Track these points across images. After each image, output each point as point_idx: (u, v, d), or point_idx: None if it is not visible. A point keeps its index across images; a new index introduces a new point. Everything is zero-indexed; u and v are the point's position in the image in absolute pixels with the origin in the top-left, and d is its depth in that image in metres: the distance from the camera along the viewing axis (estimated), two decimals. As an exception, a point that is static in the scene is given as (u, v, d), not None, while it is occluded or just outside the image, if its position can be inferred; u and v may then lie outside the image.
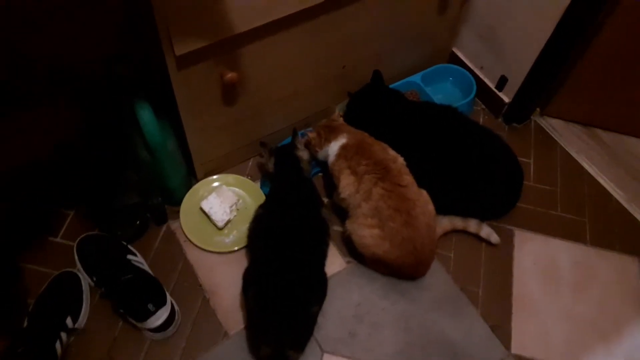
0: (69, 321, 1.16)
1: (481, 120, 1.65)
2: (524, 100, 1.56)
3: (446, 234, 1.40)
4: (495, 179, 1.36)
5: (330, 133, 1.36)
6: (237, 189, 1.44)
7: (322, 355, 1.22)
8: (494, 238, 1.38)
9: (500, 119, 1.64)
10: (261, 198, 1.39)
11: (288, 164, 1.34)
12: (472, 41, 1.61)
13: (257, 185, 1.45)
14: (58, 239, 1.34)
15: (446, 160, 1.36)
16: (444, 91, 1.68)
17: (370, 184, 1.24)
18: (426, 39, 1.56)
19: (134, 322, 1.18)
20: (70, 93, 1.21)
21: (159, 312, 1.16)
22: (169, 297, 1.21)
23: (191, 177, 1.42)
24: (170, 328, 1.20)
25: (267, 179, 1.44)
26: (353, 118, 1.45)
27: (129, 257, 1.26)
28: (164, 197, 1.36)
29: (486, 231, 1.38)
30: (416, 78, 1.61)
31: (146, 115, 1.13)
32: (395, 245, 1.22)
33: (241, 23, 1.08)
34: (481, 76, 1.63)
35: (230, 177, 1.45)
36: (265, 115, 1.40)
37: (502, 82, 1.57)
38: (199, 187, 1.42)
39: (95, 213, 1.32)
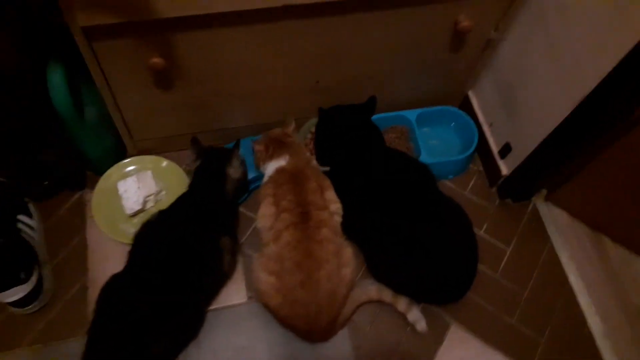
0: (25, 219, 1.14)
1: (471, 183, 1.40)
2: (524, 178, 1.29)
3: (371, 302, 1.20)
4: (443, 260, 1.13)
5: (276, 149, 1.18)
6: (166, 178, 1.30)
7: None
8: (420, 326, 1.16)
9: (494, 189, 1.39)
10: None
11: (210, 176, 1.17)
12: (490, 92, 1.34)
13: (184, 174, 1.31)
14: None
15: (393, 224, 1.15)
16: (442, 136, 1.44)
17: (283, 225, 1.07)
18: (436, 74, 1.31)
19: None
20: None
21: (17, 288, 1.07)
22: (35, 275, 1.11)
23: (124, 151, 1.30)
24: (30, 306, 1.11)
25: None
26: (321, 141, 1.27)
27: (20, 216, 1.17)
28: (86, 164, 1.25)
29: (415, 315, 1.17)
30: (410, 115, 1.37)
31: (55, 79, 1.01)
32: (287, 302, 1.05)
33: (169, 8, 0.91)
34: (487, 134, 1.37)
35: (165, 162, 1.31)
36: (217, 108, 1.24)
37: (505, 150, 1.31)
38: (126, 164, 1.30)
39: (5, 160, 1.24)
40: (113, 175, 1.28)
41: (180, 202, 1.15)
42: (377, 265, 1.19)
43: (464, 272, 1.17)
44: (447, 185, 1.39)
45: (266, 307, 1.10)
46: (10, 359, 1.10)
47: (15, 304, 1.09)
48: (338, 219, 1.14)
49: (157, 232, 1.09)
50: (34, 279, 1.10)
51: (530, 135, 1.20)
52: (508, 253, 1.31)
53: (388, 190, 1.16)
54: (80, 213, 1.26)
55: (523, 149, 1.24)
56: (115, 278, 1.05)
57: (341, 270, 1.08)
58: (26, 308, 1.11)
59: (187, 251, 1.06)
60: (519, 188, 1.34)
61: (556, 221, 1.35)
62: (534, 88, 1.17)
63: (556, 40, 1.07)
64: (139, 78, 1.06)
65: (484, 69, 1.33)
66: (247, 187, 1.28)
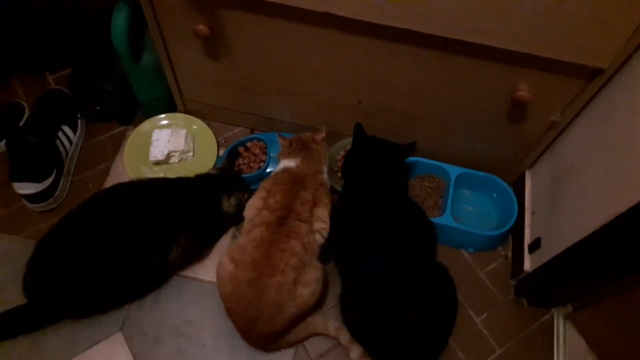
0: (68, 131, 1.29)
1: (491, 266, 1.26)
2: (545, 281, 1.13)
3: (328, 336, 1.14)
4: (410, 321, 1.03)
5: (296, 149, 1.18)
6: (198, 142, 1.36)
7: (117, 332, 1.14)
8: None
9: (513, 283, 1.24)
10: (207, 164, 1.31)
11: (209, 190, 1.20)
12: (543, 178, 1.20)
13: (218, 151, 1.36)
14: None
15: (374, 267, 1.07)
16: (479, 205, 1.32)
17: (259, 221, 1.06)
18: (492, 139, 1.21)
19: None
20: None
21: (31, 184, 1.19)
22: (51, 180, 1.23)
23: (173, 103, 1.38)
24: (38, 205, 1.23)
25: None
26: (349, 155, 1.23)
27: (65, 127, 1.30)
28: (138, 105, 1.35)
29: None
30: (452, 171, 1.27)
31: (118, 19, 1.11)
32: (234, 295, 1.04)
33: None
34: (527, 222, 1.23)
35: (203, 128, 1.37)
36: (259, 95, 1.27)
37: (535, 244, 1.16)
38: (173, 117, 1.38)
39: (73, 80, 1.39)
40: (155, 122, 1.37)
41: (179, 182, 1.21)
42: (344, 302, 1.13)
43: (429, 342, 1.07)
44: (464, 257, 1.27)
45: (218, 291, 1.10)
46: (6, 241, 1.23)
47: (26, 197, 1.21)
48: (319, 238, 1.10)
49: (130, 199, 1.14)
50: (48, 182, 1.22)
51: (562, 235, 1.05)
52: (496, 354, 1.16)
53: (383, 234, 1.09)
54: (116, 145, 1.37)
55: (551, 249, 1.09)
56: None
57: (297, 287, 1.03)
58: (34, 205, 1.23)
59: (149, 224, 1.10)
60: (537, 291, 1.18)
61: (569, 345, 1.16)
62: (580, 187, 1.03)
63: (615, 144, 0.93)
64: (190, 41, 1.12)
65: (545, 152, 1.20)
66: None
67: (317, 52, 1.09)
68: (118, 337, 1.14)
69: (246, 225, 1.10)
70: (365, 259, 1.08)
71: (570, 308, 1.19)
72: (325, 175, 1.17)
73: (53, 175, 1.23)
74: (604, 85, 0.98)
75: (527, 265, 1.18)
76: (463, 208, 1.31)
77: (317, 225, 1.09)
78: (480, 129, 1.19)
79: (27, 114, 1.35)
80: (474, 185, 1.31)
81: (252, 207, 1.11)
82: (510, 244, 1.29)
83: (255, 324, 1.04)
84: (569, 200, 1.07)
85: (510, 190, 1.26)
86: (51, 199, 1.24)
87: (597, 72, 0.95)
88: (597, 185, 0.96)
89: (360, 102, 1.20)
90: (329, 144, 1.28)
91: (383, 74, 1.10)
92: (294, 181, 1.11)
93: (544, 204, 1.18)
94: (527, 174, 1.28)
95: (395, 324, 1.04)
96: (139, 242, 1.07)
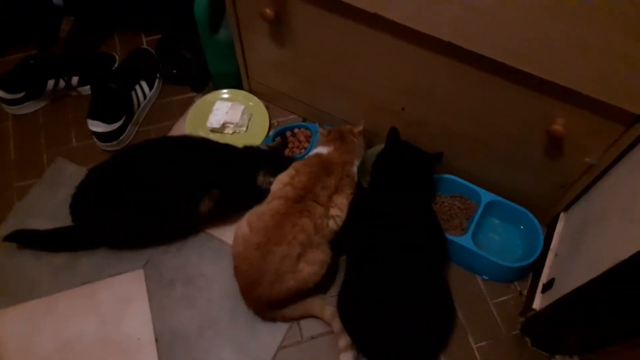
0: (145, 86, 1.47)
1: (503, 298, 1.24)
2: (551, 321, 1.10)
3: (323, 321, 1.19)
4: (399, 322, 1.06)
5: (332, 139, 1.24)
6: (252, 120, 1.47)
7: (140, 268, 1.27)
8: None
9: (521, 320, 1.21)
10: (256, 141, 1.41)
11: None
12: (574, 221, 1.17)
13: (268, 131, 1.46)
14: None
15: (375, 265, 1.11)
16: (505, 235, 1.30)
17: (280, 194, 1.14)
18: (528, 172, 1.19)
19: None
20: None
21: (101, 123, 1.36)
22: (119, 124, 1.39)
23: (240, 80, 1.50)
24: (105, 144, 1.41)
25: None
26: (381, 155, 1.27)
27: (142, 82, 1.46)
28: (212, 76, 1.49)
29: (347, 358, 1.12)
30: (484, 195, 1.26)
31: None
32: (242, 255, 1.13)
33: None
34: (548, 262, 1.19)
35: (259, 107, 1.48)
36: (317, 86, 1.35)
37: (549, 284, 1.13)
38: (234, 92, 1.50)
39: (161, 44, 1.56)
40: (218, 95, 1.50)
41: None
42: (342, 292, 1.16)
43: (413, 348, 1.08)
44: (477, 283, 1.26)
45: (231, 250, 1.18)
46: (73, 168, 1.40)
47: (96, 134, 1.38)
48: (332, 224, 1.15)
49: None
50: (116, 125, 1.38)
51: (573, 277, 1.02)
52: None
53: (392, 235, 1.13)
54: (183, 108, 1.51)
55: (560, 289, 1.06)
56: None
57: (300, 262, 1.10)
58: (101, 143, 1.40)
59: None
60: (543, 331, 1.15)
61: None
62: (600, 233, 1.00)
63: (636, 193, 0.90)
64: (259, 23, 1.22)
65: (583, 196, 1.17)
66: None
67: (368, 52, 1.15)
68: (139, 273, 1.26)
69: (270, 196, 1.18)
70: (370, 256, 1.12)
71: (576, 358, 1.14)
72: (354, 168, 1.22)
73: (122, 121, 1.39)
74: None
75: (537, 304, 1.15)
76: (489, 236, 1.30)
77: (333, 211, 1.15)
78: (517, 159, 1.18)
79: (116, 64, 1.54)
80: (504, 215, 1.30)
81: (279, 182, 1.19)
82: (529, 282, 1.26)
83: (255, 286, 1.11)
84: (587, 245, 1.04)
85: (539, 227, 1.24)
86: (116, 141, 1.40)
87: (637, 119, 0.93)
88: (613, 232, 0.94)
89: (403, 109, 1.24)
90: (367, 145, 1.33)
91: (427, 85, 1.14)
92: (321, 166, 1.18)
93: (568, 247, 1.15)
94: (561, 216, 1.25)
95: (383, 323, 1.07)
96: (176, 188, 1.18)
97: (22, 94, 1.44)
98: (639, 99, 0.89)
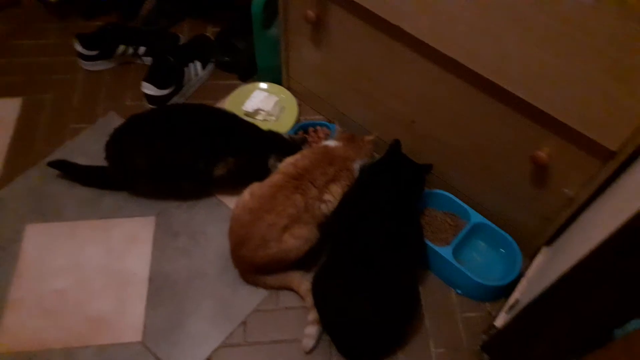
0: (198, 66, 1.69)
1: (472, 315, 1.28)
2: (508, 343, 1.15)
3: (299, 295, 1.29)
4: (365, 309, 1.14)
5: (343, 137, 1.37)
6: (283, 112, 1.63)
7: (152, 216, 1.42)
8: (305, 344, 1.20)
9: (483, 337, 1.25)
10: (282, 131, 1.55)
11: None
12: (552, 252, 1.22)
13: (294, 124, 1.60)
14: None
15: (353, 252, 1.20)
16: (488, 257, 1.37)
17: (282, 170, 1.27)
18: (515, 199, 1.27)
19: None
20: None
21: (153, 87, 1.56)
22: (168, 91, 1.59)
23: (281, 76, 1.66)
24: (152, 106, 1.60)
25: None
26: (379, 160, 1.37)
27: (196, 62, 1.66)
28: (258, 68, 1.67)
29: (310, 331, 1.21)
30: (474, 216, 1.34)
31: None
32: (237, 217, 1.26)
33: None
34: (520, 286, 1.24)
35: (291, 102, 1.64)
36: (343, 91, 1.49)
37: (514, 305, 1.18)
38: (272, 86, 1.66)
39: (220, 33, 1.77)
40: (257, 85, 1.67)
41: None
42: (319, 271, 1.24)
43: (371, 334, 1.16)
44: (451, 295, 1.32)
45: (231, 212, 1.31)
46: (118, 122, 1.58)
47: (146, 96, 1.58)
48: (324, 208, 1.26)
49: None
50: (164, 92, 1.58)
51: (530, 296, 1.08)
52: (433, 387, 1.19)
53: (374, 230, 1.21)
54: (226, 92, 1.68)
55: (520, 306, 1.11)
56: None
57: (285, 233, 1.21)
58: (149, 105, 1.60)
59: None
60: (501, 351, 1.19)
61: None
62: (564, 257, 1.05)
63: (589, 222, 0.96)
64: (303, 24, 1.39)
65: (564, 230, 1.22)
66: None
67: (390, 63, 1.27)
68: (150, 220, 1.42)
69: (274, 172, 1.31)
70: (350, 243, 1.21)
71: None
72: (356, 166, 1.33)
73: (171, 89, 1.58)
74: (619, 173, 1.02)
75: (499, 322, 1.20)
76: (472, 255, 1.36)
77: (327, 196, 1.26)
78: (508, 185, 1.25)
79: (179, 43, 1.76)
80: (489, 239, 1.36)
81: (286, 162, 1.31)
82: (500, 306, 1.30)
83: (242, 247, 1.23)
84: (552, 268, 1.09)
85: (519, 254, 1.29)
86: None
87: (611, 155, 0.99)
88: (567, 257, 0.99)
89: (413, 122, 1.35)
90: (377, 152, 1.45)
91: (435, 100, 1.25)
92: (325, 155, 1.30)
93: (537, 273, 1.20)
94: (543, 250, 1.29)
95: (349, 306, 1.14)
96: (198, 148, 1.34)
97: (96, 52, 1.67)
98: (614, 135, 0.96)
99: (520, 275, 1.27)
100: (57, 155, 1.51)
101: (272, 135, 1.45)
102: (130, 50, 1.69)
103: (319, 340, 1.22)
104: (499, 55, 1.03)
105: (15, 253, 1.33)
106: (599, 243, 0.80)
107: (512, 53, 1.01)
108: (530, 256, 1.34)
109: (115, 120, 1.59)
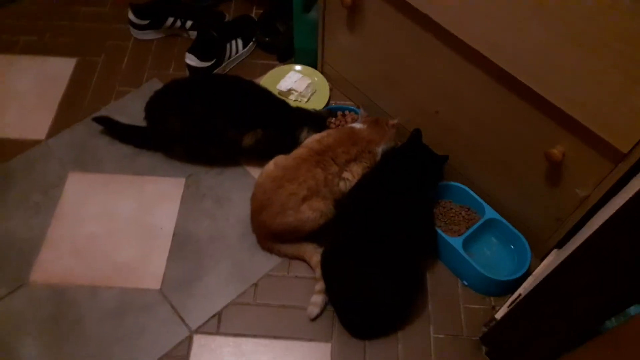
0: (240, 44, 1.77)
1: (475, 307, 1.32)
2: (504, 333, 1.18)
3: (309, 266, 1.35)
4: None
5: (368, 120, 1.43)
6: (315, 95, 1.69)
7: (182, 178, 1.51)
8: (310, 311, 1.27)
9: (483, 329, 1.28)
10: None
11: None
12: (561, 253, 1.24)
13: (324, 106, 1.66)
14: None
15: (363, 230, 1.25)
16: (498, 253, 1.39)
17: (307, 145, 1.34)
18: (531, 199, 1.29)
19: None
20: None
21: (195, 59, 1.64)
22: (208, 64, 1.68)
23: (317, 60, 1.72)
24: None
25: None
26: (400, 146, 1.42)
27: (238, 40, 1.75)
28: (295, 50, 1.74)
29: (316, 300, 1.28)
30: (489, 212, 1.37)
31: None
32: (260, 184, 1.33)
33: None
34: (526, 282, 1.26)
35: (324, 85, 1.70)
36: (374, 79, 1.54)
37: (515, 299, 1.21)
38: (307, 69, 1.73)
39: (263, 15, 1.85)
40: (293, 67, 1.74)
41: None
42: (326, 246, 1.29)
43: (374, 310, 1.22)
44: (456, 286, 1.35)
45: (256, 180, 1.38)
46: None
47: (188, 66, 1.67)
48: (342, 185, 1.32)
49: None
50: (205, 64, 1.67)
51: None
52: (428, 367, 1.23)
53: (387, 212, 1.26)
54: (263, 71, 1.75)
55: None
56: None
57: (304, 204, 1.28)
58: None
59: None
60: (499, 343, 1.22)
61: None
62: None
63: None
64: (340, 10, 1.44)
65: (575, 234, 1.24)
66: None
67: (418, 52, 1.31)
68: (181, 181, 1.51)
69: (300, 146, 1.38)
70: (363, 222, 1.26)
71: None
72: (378, 150, 1.39)
73: (211, 63, 1.67)
74: (630, 177, 1.04)
75: (500, 315, 1.23)
76: (482, 250, 1.39)
77: (346, 174, 1.32)
78: (523, 182, 1.28)
79: (225, 20, 1.85)
80: (501, 235, 1.39)
81: (312, 138, 1.38)
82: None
83: (262, 211, 1.31)
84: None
85: (528, 250, 1.32)
86: (198, 77, 1.68)
87: (622, 157, 1.01)
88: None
89: (437, 112, 1.39)
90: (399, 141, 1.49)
91: (459, 91, 1.28)
92: (349, 135, 1.36)
93: (544, 272, 1.22)
94: (554, 252, 1.32)
95: (354, 280, 1.20)
96: (229, 117, 1.42)
97: (147, 22, 1.78)
98: (626, 137, 0.98)
99: (528, 274, 1.30)
100: (102, 113, 1.62)
101: (301, 112, 1.52)
102: (178, 23, 1.79)
103: (323, 309, 1.28)
104: (520, 49, 1.06)
105: (56, 197, 1.45)
106: (586, 238, 0.84)
107: (533, 48, 1.04)
108: (540, 257, 1.36)
109: (157, 87, 1.68)
